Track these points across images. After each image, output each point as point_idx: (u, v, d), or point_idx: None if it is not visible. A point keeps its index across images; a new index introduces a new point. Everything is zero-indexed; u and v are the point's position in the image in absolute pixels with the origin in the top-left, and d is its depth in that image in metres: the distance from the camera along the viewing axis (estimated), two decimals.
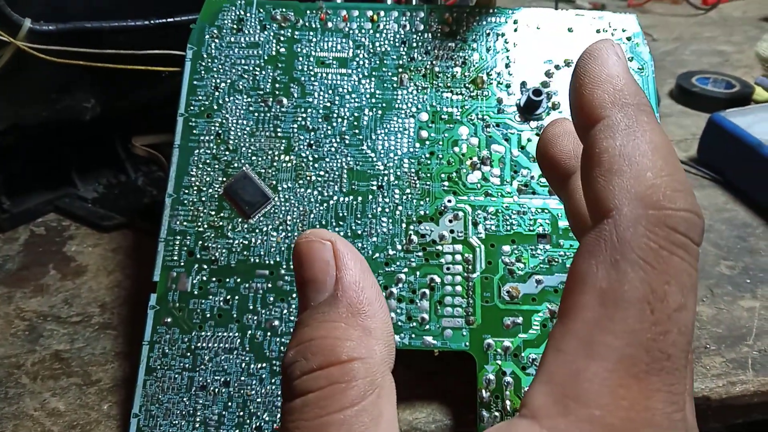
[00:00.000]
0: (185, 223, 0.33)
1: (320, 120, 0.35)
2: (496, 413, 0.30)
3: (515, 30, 0.37)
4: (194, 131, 0.34)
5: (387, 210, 0.33)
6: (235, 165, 0.34)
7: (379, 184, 0.34)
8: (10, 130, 0.41)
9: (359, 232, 0.33)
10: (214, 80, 0.35)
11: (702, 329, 0.37)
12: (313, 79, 0.35)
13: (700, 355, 0.35)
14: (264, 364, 0.31)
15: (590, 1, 0.88)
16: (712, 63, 0.72)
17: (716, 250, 0.43)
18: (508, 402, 0.30)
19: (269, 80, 0.35)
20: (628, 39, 0.37)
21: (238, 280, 0.32)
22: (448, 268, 0.32)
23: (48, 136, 0.45)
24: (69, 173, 0.46)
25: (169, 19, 0.39)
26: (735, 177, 0.49)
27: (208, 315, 0.31)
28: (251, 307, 0.31)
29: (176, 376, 0.30)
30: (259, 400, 0.30)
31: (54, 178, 0.46)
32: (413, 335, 0.31)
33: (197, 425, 0.30)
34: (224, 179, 0.33)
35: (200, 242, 0.32)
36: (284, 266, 0.32)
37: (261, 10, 0.36)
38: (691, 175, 0.51)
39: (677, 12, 0.89)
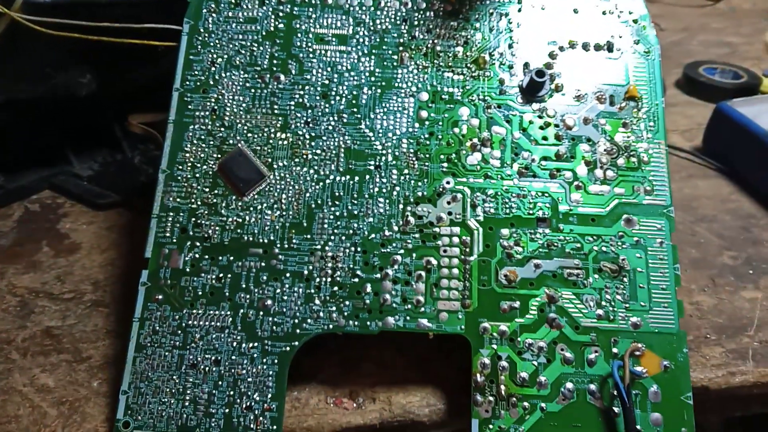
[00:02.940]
0: (178, 200, 0.32)
1: (318, 98, 0.34)
2: (491, 397, 0.30)
3: (519, 10, 0.36)
4: (189, 106, 0.34)
5: (384, 190, 0.33)
6: (231, 142, 0.33)
7: (377, 164, 0.33)
8: (6, 106, 0.41)
9: (355, 212, 0.32)
10: (210, 55, 0.34)
11: (703, 319, 0.37)
12: (311, 55, 0.34)
13: (700, 345, 0.35)
14: (255, 344, 0.30)
15: None
16: (719, 54, 0.71)
17: (720, 240, 0.43)
18: (502, 387, 0.30)
19: (267, 56, 0.34)
20: (635, 21, 0.36)
21: (231, 258, 0.31)
22: (445, 251, 0.32)
23: (44, 113, 0.44)
24: (64, 151, 0.46)
25: None
26: (740, 167, 0.48)
27: (200, 293, 0.31)
28: (244, 286, 0.31)
29: (166, 353, 0.30)
30: (249, 379, 0.30)
31: (49, 156, 0.46)
32: (408, 317, 0.31)
33: (187, 403, 0.29)
34: (219, 156, 0.33)
35: (193, 219, 0.32)
36: (278, 245, 0.31)
37: None
38: (695, 164, 0.51)
39: (686, 2, 0.87)
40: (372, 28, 0.35)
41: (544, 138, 0.34)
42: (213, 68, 0.34)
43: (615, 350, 0.30)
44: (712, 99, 0.58)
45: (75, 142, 0.46)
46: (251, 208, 0.32)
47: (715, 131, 0.50)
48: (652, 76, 0.35)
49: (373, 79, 0.34)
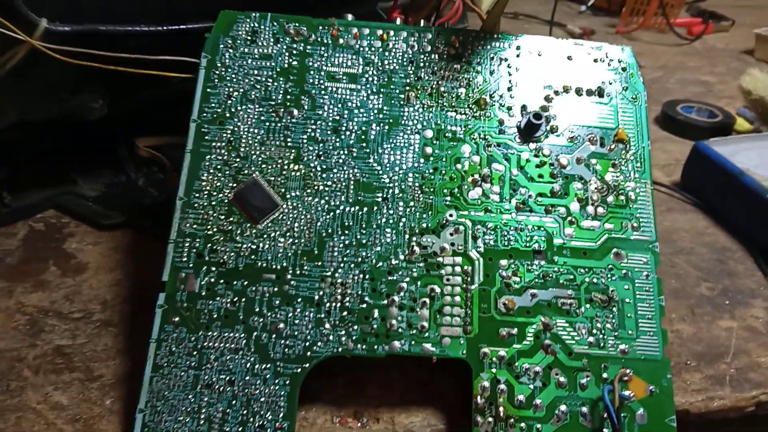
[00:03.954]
0: (195, 226, 0.34)
1: (329, 132, 0.36)
2: (490, 419, 0.31)
3: (518, 55, 0.38)
4: (206, 137, 0.35)
5: (391, 221, 0.34)
6: (246, 172, 0.35)
7: (385, 196, 0.35)
8: (17, 127, 0.42)
9: (364, 241, 0.34)
10: (227, 89, 0.36)
11: (683, 346, 0.39)
12: (323, 92, 0.37)
13: (680, 371, 0.37)
14: (268, 365, 0.32)
15: (580, 26, 0.91)
16: (695, 92, 0.75)
17: (697, 271, 0.45)
18: (501, 408, 0.31)
19: (281, 91, 0.36)
20: (624, 69, 0.39)
21: (245, 283, 0.33)
22: (447, 279, 0.34)
23: (52, 134, 0.45)
24: (70, 171, 0.47)
25: (182, 26, 0.40)
26: (716, 202, 0.51)
27: (215, 316, 0.32)
28: (257, 310, 0.32)
29: (182, 373, 0.31)
30: (262, 399, 0.31)
31: (55, 176, 0.47)
32: (413, 342, 0.32)
33: (201, 422, 0.30)
34: (234, 185, 0.34)
35: (209, 245, 0.33)
36: (290, 271, 0.33)
37: (275, 24, 0.38)
38: (674, 199, 0.54)
39: (664, 41, 0.92)
40: (380, 68, 0.37)
41: (540, 176, 0.36)
42: (229, 101, 0.36)
43: (605, 375, 0.32)
44: (690, 136, 0.62)
45: (81, 163, 0.47)
46: (265, 236, 0.34)
47: (693, 168, 0.54)
48: (639, 120, 0.38)
49: (381, 116, 0.36)
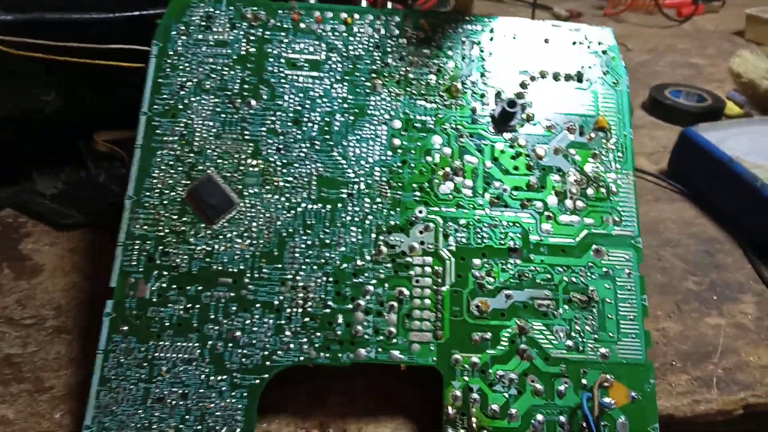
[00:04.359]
0: (145, 227, 0.31)
1: (290, 124, 0.34)
2: (462, 430, 0.29)
3: (491, 39, 0.36)
4: (157, 131, 0.33)
5: (356, 219, 0.32)
6: (200, 168, 0.32)
7: (349, 192, 0.33)
8: None
9: (327, 241, 0.32)
10: (180, 79, 0.34)
11: (668, 345, 0.37)
12: (283, 81, 0.34)
13: (666, 372, 0.35)
14: (224, 377, 0.29)
15: (567, 9, 0.88)
16: (685, 75, 0.73)
17: (684, 264, 0.44)
18: (474, 419, 0.30)
19: (238, 81, 0.34)
20: (604, 53, 0.36)
21: (200, 288, 0.31)
22: (417, 281, 0.32)
23: (6, 129, 0.43)
24: (27, 168, 0.44)
25: (134, 13, 0.38)
26: (705, 191, 0.49)
27: (167, 324, 0.30)
28: (212, 317, 0.30)
29: (131, 387, 0.29)
30: (218, 413, 0.29)
31: (11, 173, 0.44)
32: (380, 349, 0.30)
33: None
34: (188, 182, 0.32)
35: (161, 247, 0.31)
36: (248, 275, 0.31)
37: (231, 8, 0.35)
38: (660, 188, 0.52)
39: (652, 23, 0.89)
40: (345, 54, 0.35)
41: (515, 168, 0.34)
42: (182, 92, 0.33)
43: (584, 381, 0.31)
44: (678, 121, 0.60)
45: (38, 159, 0.45)
46: (220, 237, 0.32)
47: (681, 155, 0.51)
48: (621, 107, 0.35)
49: (345, 105, 0.34)
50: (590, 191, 0.34)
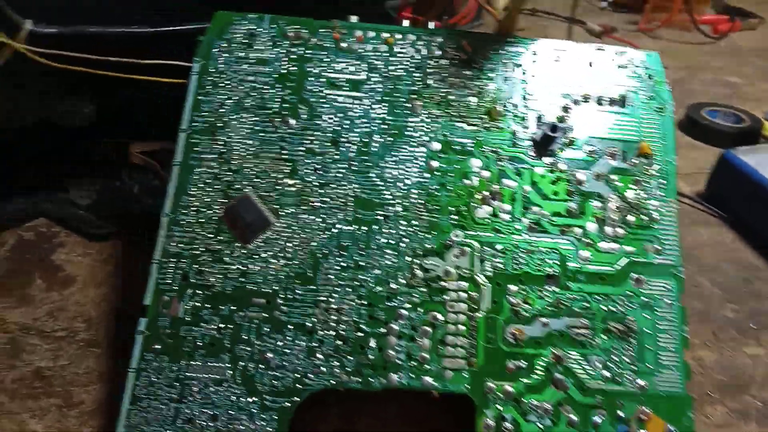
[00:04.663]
0: (181, 245, 0.31)
1: (328, 144, 0.33)
2: None
3: (534, 61, 0.35)
4: (196, 148, 0.33)
5: (392, 242, 0.32)
6: (237, 186, 0.32)
7: (386, 214, 0.32)
8: (3, 134, 0.40)
9: (362, 263, 0.31)
10: (220, 96, 0.34)
11: (705, 375, 0.36)
12: (323, 100, 0.34)
13: (702, 404, 0.35)
14: (254, 399, 0.29)
15: (601, 24, 0.87)
16: (720, 94, 0.72)
17: (721, 291, 0.42)
18: None
19: (278, 99, 0.34)
20: (650, 77, 0.36)
21: (233, 308, 0.30)
22: (451, 306, 0.31)
23: (42, 139, 0.43)
24: (61, 177, 0.45)
25: (175, 28, 0.38)
26: (744, 216, 0.48)
27: (200, 343, 0.30)
28: (245, 338, 0.30)
29: (162, 406, 0.29)
30: None
31: (45, 182, 0.45)
32: (412, 375, 0.30)
33: None
34: (225, 200, 0.32)
35: (195, 266, 0.31)
36: (282, 296, 0.31)
37: (273, 26, 0.35)
38: (697, 211, 0.51)
39: (687, 39, 0.88)
40: (385, 74, 0.35)
41: (555, 193, 0.33)
42: (222, 110, 0.33)
43: (620, 413, 0.30)
44: (715, 142, 0.59)
45: (72, 169, 0.45)
46: (255, 257, 0.31)
47: (719, 179, 0.50)
48: (665, 132, 0.35)
49: (384, 126, 0.34)
50: (631, 218, 0.33)
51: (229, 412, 0.29)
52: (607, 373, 0.30)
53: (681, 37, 0.89)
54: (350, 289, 0.31)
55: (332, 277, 0.31)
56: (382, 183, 0.33)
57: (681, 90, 0.72)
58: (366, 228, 0.32)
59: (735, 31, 0.90)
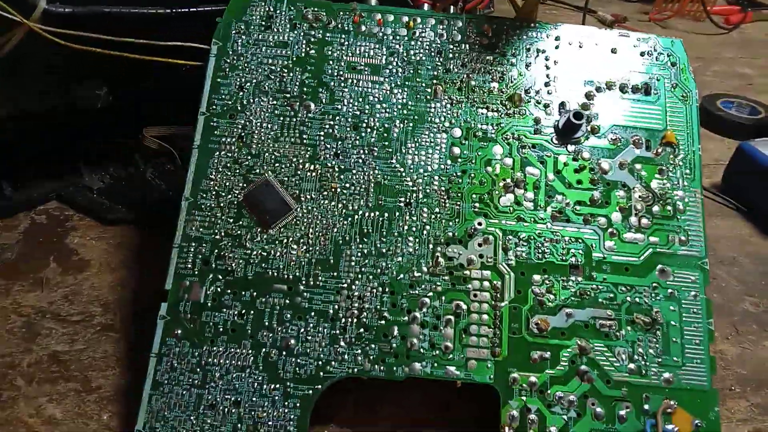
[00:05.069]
0: (201, 230, 0.31)
1: (348, 129, 0.33)
2: None
3: (556, 47, 0.35)
4: (215, 132, 0.32)
5: (414, 229, 0.31)
6: (257, 171, 0.32)
7: (407, 200, 0.32)
8: (19, 117, 0.39)
9: (384, 250, 0.31)
10: (238, 79, 0.33)
11: (727, 369, 0.36)
12: (342, 84, 0.33)
13: (725, 398, 0.34)
14: (277, 385, 0.29)
15: (612, 13, 0.86)
16: (734, 86, 0.71)
17: (741, 285, 0.42)
18: None
19: (297, 83, 0.33)
20: (673, 65, 0.35)
21: (255, 293, 0.30)
22: (475, 295, 0.31)
23: (57, 123, 0.43)
24: (75, 162, 0.44)
25: (192, 9, 0.37)
26: (762, 207, 0.48)
27: (221, 329, 0.30)
28: (267, 324, 0.30)
29: (184, 392, 0.29)
30: (270, 423, 0.28)
31: (59, 166, 0.44)
32: (435, 364, 0.30)
33: None
34: (245, 185, 0.32)
35: (216, 251, 0.31)
36: (303, 282, 0.30)
37: (292, 8, 0.34)
38: (714, 203, 0.50)
39: (699, 30, 0.87)
40: (406, 59, 0.34)
41: (579, 181, 0.33)
42: (241, 93, 0.33)
43: (646, 407, 0.29)
44: (730, 134, 0.58)
45: (86, 153, 0.45)
46: (276, 242, 0.31)
47: (737, 170, 0.50)
48: (690, 121, 0.34)
49: (405, 112, 0.33)
50: (656, 208, 0.32)
51: (252, 398, 0.29)
52: (632, 366, 0.30)
53: (693, 28, 0.88)
54: (372, 276, 0.31)
55: (354, 263, 0.31)
56: (403, 169, 0.32)
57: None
58: (387, 214, 0.32)
59: (747, 22, 0.89)
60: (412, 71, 0.34)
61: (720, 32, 0.87)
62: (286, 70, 0.33)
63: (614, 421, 0.29)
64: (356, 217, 0.31)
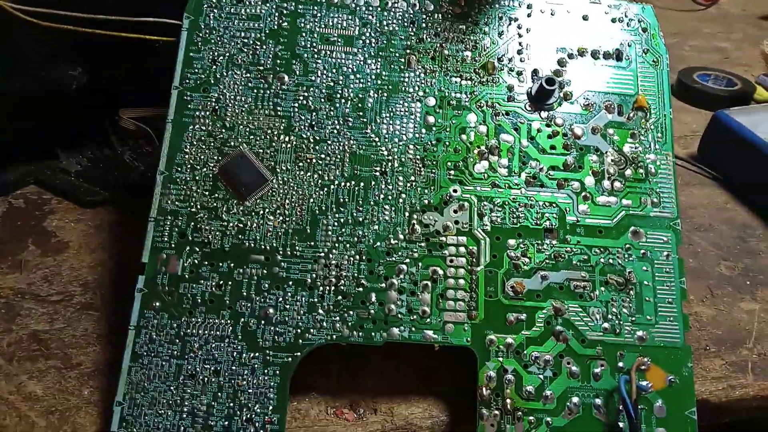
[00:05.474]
0: (177, 203, 0.31)
1: (323, 100, 0.33)
2: (496, 411, 0.29)
3: (529, 15, 0.35)
4: (189, 106, 0.32)
5: (390, 197, 0.32)
6: (232, 143, 0.32)
7: (383, 169, 0.32)
8: None
9: (360, 219, 0.31)
10: (211, 53, 0.33)
11: (702, 330, 0.37)
12: (316, 56, 0.33)
13: (700, 357, 0.35)
14: (257, 354, 0.29)
15: None
16: (711, 60, 0.71)
17: (716, 250, 0.43)
18: (508, 400, 0.29)
19: (270, 55, 0.33)
20: (644, 30, 0.35)
21: (232, 264, 0.30)
22: (451, 260, 0.31)
23: (31, 106, 0.42)
24: (51, 145, 0.44)
25: None
26: (737, 176, 0.48)
27: (199, 300, 0.30)
28: (245, 294, 0.30)
29: (164, 363, 0.29)
30: (250, 390, 0.29)
31: (35, 150, 0.44)
32: (413, 328, 0.30)
33: (184, 415, 0.28)
34: (219, 158, 0.32)
35: (192, 223, 0.31)
36: (280, 252, 0.31)
37: None
38: (690, 173, 0.51)
39: (678, 5, 0.87)
40: (379, 29, 0.34)
41: (552, 147, 0.33)
42: (214, 66, 0.33)
43: (621, 364, 0.30)
44: (706, 106, 0.58)
45: (62, 136, 0.44)
46: (253, 213, 0.31)
47: (712, 139, 0.50)
48: (661, 86, 0.35)
49: (379, 82, 0.33)
50: (628, 172, 0.33)
51: (232, 367, 0.29)
52: (606, 325, 0.31)
53: (671, 3, 0.89)
54: (349, 245, 0.31)
55: (331, 233, 0.31)
56: (378, 139, 0.32)
57: (671, 55, 0.71)
58: (363, 184, 0.32)
59: None
60: (385, 41, 0.34)
61: (698, 8, 0.87)
62: (259, 43, 0.33)
63: (589, 379, 0.30)
64: (332, 187, 0.32)
